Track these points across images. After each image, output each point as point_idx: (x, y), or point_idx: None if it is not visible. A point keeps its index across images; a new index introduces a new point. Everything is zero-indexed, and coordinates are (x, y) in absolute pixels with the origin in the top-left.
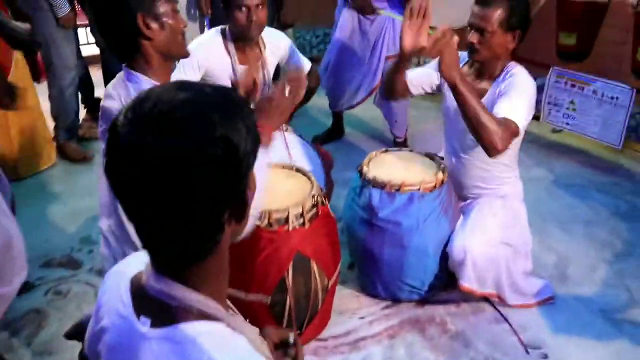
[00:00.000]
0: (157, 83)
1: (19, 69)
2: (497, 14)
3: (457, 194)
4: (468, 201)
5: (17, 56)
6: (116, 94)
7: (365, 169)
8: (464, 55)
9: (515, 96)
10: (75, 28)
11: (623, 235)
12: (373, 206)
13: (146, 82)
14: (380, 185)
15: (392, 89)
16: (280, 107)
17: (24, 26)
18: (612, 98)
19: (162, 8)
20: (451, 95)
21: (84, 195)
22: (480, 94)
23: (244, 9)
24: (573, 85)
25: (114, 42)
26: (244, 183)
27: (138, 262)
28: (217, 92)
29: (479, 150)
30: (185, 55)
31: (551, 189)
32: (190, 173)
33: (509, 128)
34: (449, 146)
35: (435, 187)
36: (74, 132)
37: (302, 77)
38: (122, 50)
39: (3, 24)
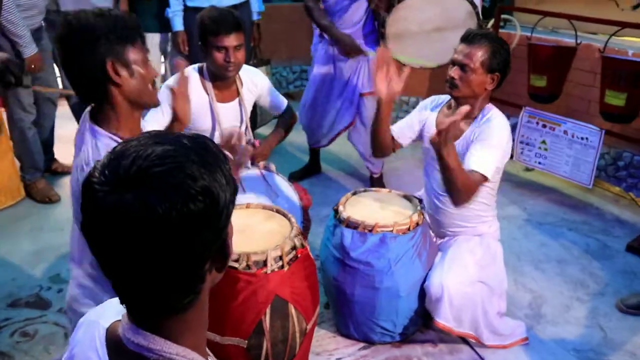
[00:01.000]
0: (120, 137)
1: None
2: (481, 53)
3: (435, 231)
4: (446, 239)
5: None
6: (83, 147)
7: (340, 208)
8: (443, 97)
9: (487, 146)
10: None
11: (595, 274)
12: (345, 246)
13: (105, 137)
14: (354, 226)
15: (379, 146)
16: None
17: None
18: (582, 138)
19: (133, 56)
20: (426, 130)
21: (53, 231)
22: (458, 134)
23: (222, 50)
24: (544, 126)
25: (82, 86)
26: (224, 232)
27: (113, 310)
28: (195, 142)
29: None
30: (156, 104)
31: (524, 227)
32: (173, 230)
33: (475, 181)
34: (429, 185)
35: (409, 229)
36: (41, 170)
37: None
38: (90, 95)
39: None
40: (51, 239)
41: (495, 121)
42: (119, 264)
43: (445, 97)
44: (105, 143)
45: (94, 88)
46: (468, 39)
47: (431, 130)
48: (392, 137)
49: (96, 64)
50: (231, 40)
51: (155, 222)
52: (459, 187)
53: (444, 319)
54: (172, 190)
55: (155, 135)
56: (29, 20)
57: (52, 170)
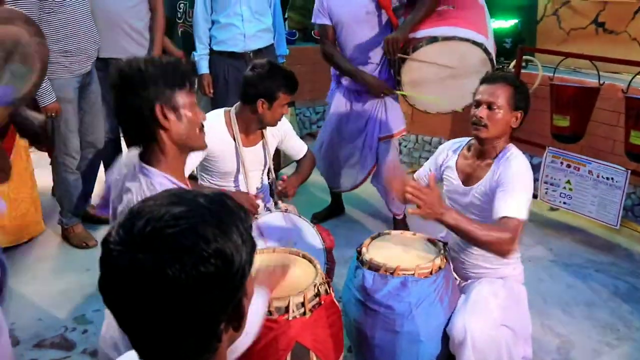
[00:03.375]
0: (170, 177)
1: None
2: (505, 90)
3: (459, 273)
4: (469, 281)
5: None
6: (133, 188)
7: (364, 250)
8: (463, 140)
9: (512, 190)
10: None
11: (624, 318)
12: (366, 288)
13: (158, 176)
14: (375, 268)
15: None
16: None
17: (39, 117)
18: (607, 179)
19: (182, 100)
20: (451, 180)
21: (80, 271)
22: (480, 175)
23: (285, 105)
24: (569, 166)
25: (131, 128)
26: (240, 293)
27: None
28: (211, 202)
29: (485, 217)
30: (203, 147)
31: (550, 268)
32: (184, 291)
33: (511, 227)
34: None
35: (431, 273)
36: (79, 216)
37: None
38: (138, 137)
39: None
40: (77, 279)
41: (514, 162)
42: (133, 320)
43: (465, 140)
44: (158, 182)
45: (143, 131)
46: (489, 79)
47: (452, 174)
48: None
49: (145, 108)
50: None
51: (166, 283)
52: (486, 242)
53: None
54: (184, 252)
55: (172, 195)
56: (77, 65)
57: (91, 216)
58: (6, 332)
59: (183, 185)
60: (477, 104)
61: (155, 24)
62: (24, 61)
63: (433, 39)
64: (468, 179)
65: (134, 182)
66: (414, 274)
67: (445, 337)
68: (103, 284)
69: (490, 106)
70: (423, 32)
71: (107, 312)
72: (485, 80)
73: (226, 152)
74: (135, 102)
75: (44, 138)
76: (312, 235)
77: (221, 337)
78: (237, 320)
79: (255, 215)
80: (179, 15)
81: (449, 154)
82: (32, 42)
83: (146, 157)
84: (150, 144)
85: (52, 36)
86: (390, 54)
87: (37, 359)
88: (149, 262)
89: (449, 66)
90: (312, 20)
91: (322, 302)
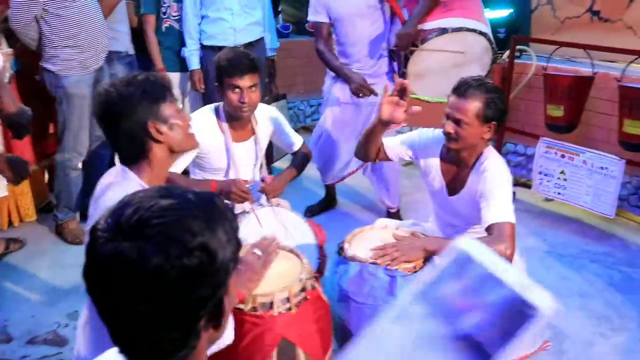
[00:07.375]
0: (146, 185)
1: None
2: (474, 105)
3: None
4: None
5: None
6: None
7: (346, 245)
8: (440, 136)
9: (493, 196)
10: None
11: (619, 308)
12: (351, 284)
13: (137, 186)
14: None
15: (365, 152)
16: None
17: (29, 112)
18: (602, 168)
19: (168, 110)
20: (434, 184)
21: (73, 267)
22: (461, 184)
23: (237, 90)
24: (563, 156)
25: (127, 149)
26: (222, 290)
27: None
28: (200, 198)
29: (473, 223)
30: (195, 146)
31: (545, 259)
32: (166, 282)
33: (506, 235)
34: (439, 221)
35: (415, 268)
36: (74, 211)
37: (274, 245)
38: (133, 155)
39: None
40: (70, 275)
41: (490, 168)
42: (114, 310)
43: (442, 137)
44: (132, 187)
45: (138, 148)
46: (459, 92)
47: (437, 177)
48: (381, 149)
49: (139, 129)
50: (245, 81)
51: (149, 273)
52: None
53: None
54: (169, 243)
55: (162, 189)
56: (91, 61)
57: None
58: None
59: None
60: (447, 116)
61: None
62: None
63: (443, 31)
64: (451, 187)
65: (110, 185)
66: (397, 269)
67: None
68: (87, 272)
69: (457, 122)
70: (431, 24)
71: (78, 329)
72: (454, 91)
73: (216, 147)
74: (127, 126)
75: (23, 134)
76: (304, 230)
77: (200, 334)
78: (218, 319)
79: (248, 201)
80: (163, 11)
81: (430, 148)
82: None
83: (131, 164)
84: (140, 158)
85: (65, 31)
86: (403, 48)
87: (29, 355)
88: (133, 251)
89: (459, 52)
90: (308, 17)
91: (308, 297)
